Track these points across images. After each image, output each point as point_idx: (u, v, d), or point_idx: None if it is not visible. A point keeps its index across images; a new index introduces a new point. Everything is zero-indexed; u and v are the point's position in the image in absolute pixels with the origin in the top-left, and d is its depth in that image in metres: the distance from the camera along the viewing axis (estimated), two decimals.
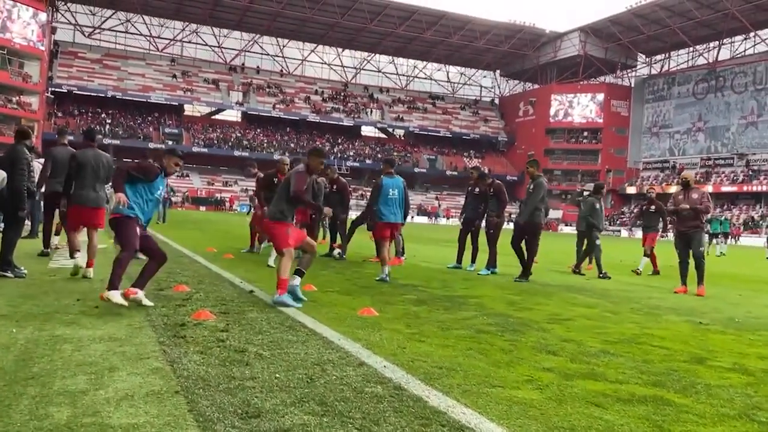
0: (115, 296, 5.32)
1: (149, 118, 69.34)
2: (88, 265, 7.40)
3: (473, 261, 11.20)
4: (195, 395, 3.16)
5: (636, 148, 76.86)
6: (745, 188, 64.22)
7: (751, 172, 65.15)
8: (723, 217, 28.89)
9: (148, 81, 69.88)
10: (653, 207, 13.37)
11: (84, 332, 4.50)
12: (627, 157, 76.76)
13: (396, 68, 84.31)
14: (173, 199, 52.33)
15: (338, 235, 12.44)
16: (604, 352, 4.72)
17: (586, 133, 78.29)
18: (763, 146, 64.91)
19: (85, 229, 7.78)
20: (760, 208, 62.86)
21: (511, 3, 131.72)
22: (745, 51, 67.89)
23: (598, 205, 12.07)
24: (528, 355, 4.45)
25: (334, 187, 12.19)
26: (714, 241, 25.53)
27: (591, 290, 9.09)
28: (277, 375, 3.60)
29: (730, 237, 57.18)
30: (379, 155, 74.93)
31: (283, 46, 78.74)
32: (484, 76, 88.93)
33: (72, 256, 7.62)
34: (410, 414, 3.05)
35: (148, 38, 73.39)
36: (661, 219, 13.14)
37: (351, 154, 73.77)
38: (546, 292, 8.40)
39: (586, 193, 13.49)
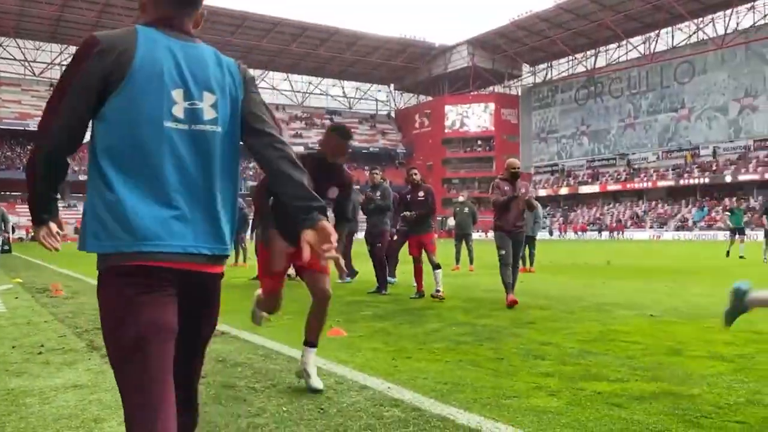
0: None
1: (29, 147, 64.72)
2: None
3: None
4: None
5: (527, 153, 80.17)
6: (628, 186, 68.41)
7: (632, 171, 69.59)
8: (739, 209, 21.18)
9: (25, 107, 65.57)
10: (421, 194, 9.02)
11: (42, 382, 4.03)
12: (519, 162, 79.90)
13: (291, 85, 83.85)
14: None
15: None
16: (586, 351, 4.77)
17: (480, 142, 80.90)
18: (641, 146, 69.55)
19: None
20: (643, 204, 67.18)
21: (401, 18, 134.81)
22: (619, 58, 72.63)
23: None
24: (519, 363, 4.42)
25: None
26: (736, 237, 19.79)
27: (529, 293, 9.21)
28: (284, 408, 3.36)
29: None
30: None
31: None
32: (379, 90, 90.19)
33: None
34: None
35: (22, 63, 68.99)
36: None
37: (251, 173, 72.21)
38: (489, 299, 8.43)
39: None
